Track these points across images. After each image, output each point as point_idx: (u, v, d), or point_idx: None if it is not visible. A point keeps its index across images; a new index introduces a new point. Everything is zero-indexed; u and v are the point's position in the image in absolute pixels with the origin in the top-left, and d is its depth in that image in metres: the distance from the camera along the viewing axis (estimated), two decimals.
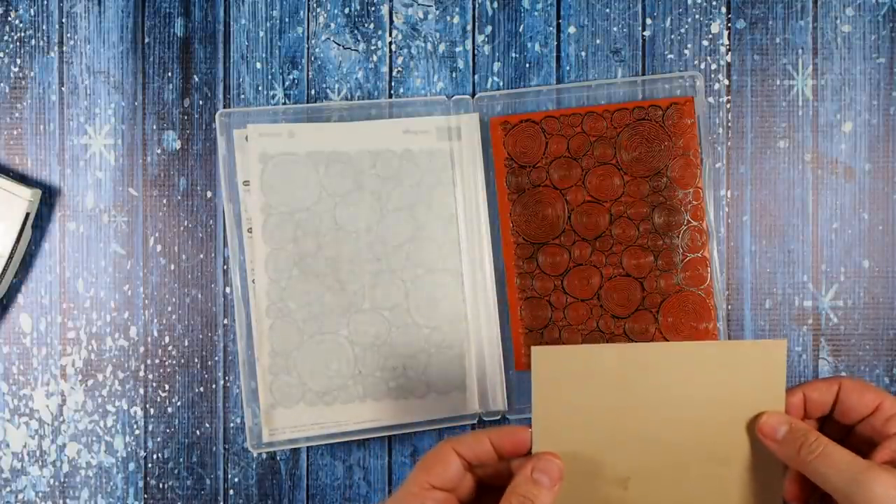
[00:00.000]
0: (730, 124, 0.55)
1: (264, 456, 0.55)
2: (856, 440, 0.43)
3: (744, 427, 0.42)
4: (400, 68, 0.55)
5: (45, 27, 0.55)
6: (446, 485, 0.42)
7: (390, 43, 0.55)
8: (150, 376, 0.55)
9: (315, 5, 0.55)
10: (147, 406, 0.55)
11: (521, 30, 0.55)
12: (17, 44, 0.55)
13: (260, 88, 0.55)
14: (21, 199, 0.53)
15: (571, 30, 0.55)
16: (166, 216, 0.55)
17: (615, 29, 0.55)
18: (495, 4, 0.55)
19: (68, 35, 0.55)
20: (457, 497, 0.43)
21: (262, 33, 0.55)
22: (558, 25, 0.55)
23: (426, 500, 0.41)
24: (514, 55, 0.55)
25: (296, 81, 0.55)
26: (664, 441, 0.42)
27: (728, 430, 0.42)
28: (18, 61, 0.55)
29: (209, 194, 0.55)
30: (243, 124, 0.54)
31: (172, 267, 0.55)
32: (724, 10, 0.55)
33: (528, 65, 0.55)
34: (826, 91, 0.54)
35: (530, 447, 0.41)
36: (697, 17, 0.55)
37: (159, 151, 0.55)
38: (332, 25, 0.55)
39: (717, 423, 0.42)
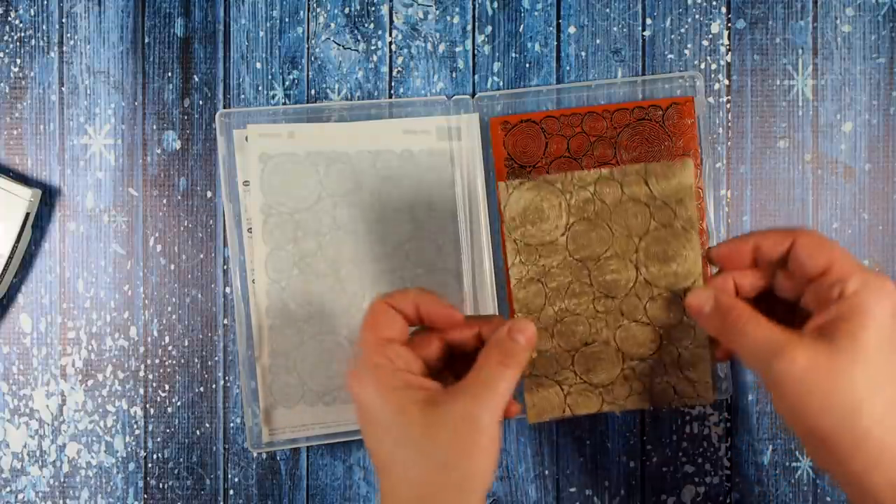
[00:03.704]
0: (730, 124, 0.55)
1: (264, 456, 0.55)
2: (808, 298, 0.42)
3: (675, 228, 0.46)
4: (400, 68, 0.55)
5: (45, 27, 0.55)
6: (396, 335, 0.43)
7: (390, 43, 0.55)
8: (150, 376, 0.55)
9: (315, 5, 0.55)
10: (147, 406, 0.55)
11: (521, 30, 0.55)
12: (17, 44, 0.55)
13: (260, 88, 0.55)
14: (21, 199, 0.53)
15: (571, 30, 0.55)
16: (166, 216, 0.55)
17: (615, 29, 0.55)
18: (495, 4, 0.55)
19: (68, 35, 0.55)
20: (425, 360, 0.45)
21: (262, 33, 0.55)
22: (558, 25, 0.55)
23: (386, 352, 0.42)
24: (514, 55, 0.55)
25: (296, 81, 0.55)
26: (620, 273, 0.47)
27: (662, 237, 0.46)
28: (18, 61, 0.55)
29: (209, 194, 0.55)
30: (243, 124, 0.54)
31: (172, 267, 0.55)
32: (724, 10, 0.55)
33: (528, 65, 0.55)
34: (826, 91, 0.54)
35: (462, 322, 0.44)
36: (697, 17, 0.55)
37: (159, 151, 0.55)
38: (332, 25, 0.55)
39: (656, 232, 0.46)
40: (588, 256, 0.47)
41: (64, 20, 0.55)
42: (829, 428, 0.38)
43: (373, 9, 0.55)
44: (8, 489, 0.55)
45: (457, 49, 0.55)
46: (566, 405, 0.48)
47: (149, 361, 0.55)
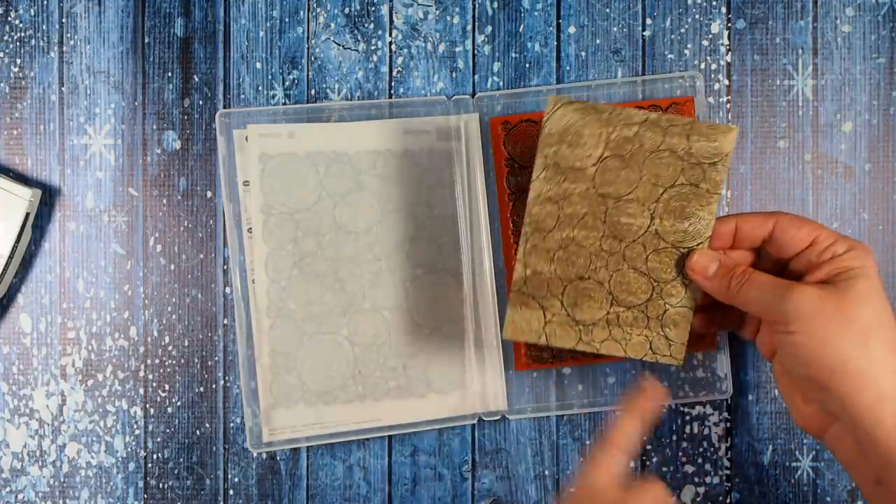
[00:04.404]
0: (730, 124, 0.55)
1: (264, 456, 0.55)
2: (791, 276, 0.45)
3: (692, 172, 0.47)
4: (400, 68, 0.55)
5: (45, 27, 0.55)
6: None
7: (390, 43, 0.55)
8: (150, 376, 0.55)
9: (315, 5, 0.55)
10: (147, 406, 0.55)
11: (521, 30, 0.55)
12: (17, 44, 0.55)
13: (260, 88, 0.55)
14: (21, 199, 0.53)
15: (571, 30, 0.55)
16: (166, 216, 0.55)
17: (615, 29, 0.55)
18: (495, 4, 0.55)
19: (68, 35, 0.55)
20: None
21: (262, 33, 0.55)
22: (558, 25, 0.55)
23: None
24: (514, 55, 0.55)
25: (296, 81, 0.55)
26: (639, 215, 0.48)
27: (685, 193, 0.47)
28: (18, 61, 0.55)
29: (209, 194, 0.55)
30: (243, 124, 0.54)
31: (172, 267, 0.55)
32: (724, 10, 0.55)
33: (528, 65, 0.55)
34: (826, 91, 0.55)
35: None
36: (697, 17, 0.55)
37: (159, 151, 0.55)
38: (332, 25, 0.55)
39: (677, 186, 0.47)
40: (610, 194, 0.47)
41: (64, 20, 0.55)
42: (839, 359, 0.40)
43: (373, 9, 0.55)
44: (8, 489, 0.55)
45: (457, 49, 0.55)
46: (544, 332, 0.48)
47: (149, 361, 0.55)
